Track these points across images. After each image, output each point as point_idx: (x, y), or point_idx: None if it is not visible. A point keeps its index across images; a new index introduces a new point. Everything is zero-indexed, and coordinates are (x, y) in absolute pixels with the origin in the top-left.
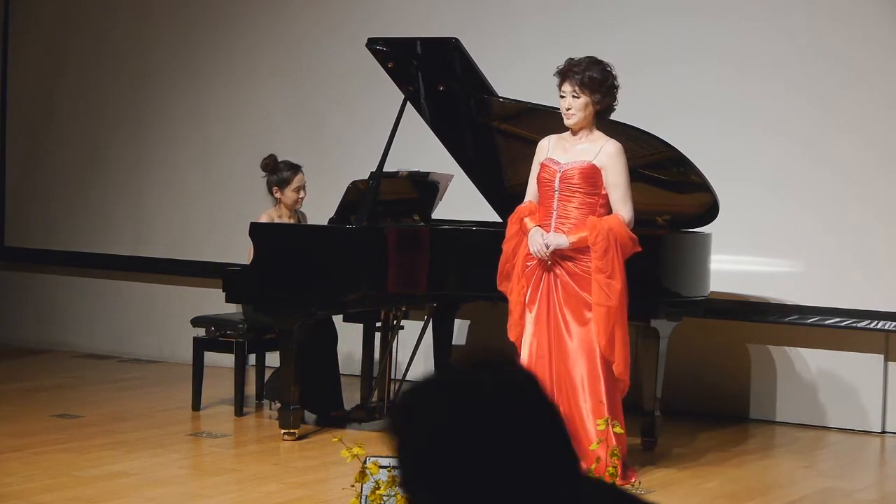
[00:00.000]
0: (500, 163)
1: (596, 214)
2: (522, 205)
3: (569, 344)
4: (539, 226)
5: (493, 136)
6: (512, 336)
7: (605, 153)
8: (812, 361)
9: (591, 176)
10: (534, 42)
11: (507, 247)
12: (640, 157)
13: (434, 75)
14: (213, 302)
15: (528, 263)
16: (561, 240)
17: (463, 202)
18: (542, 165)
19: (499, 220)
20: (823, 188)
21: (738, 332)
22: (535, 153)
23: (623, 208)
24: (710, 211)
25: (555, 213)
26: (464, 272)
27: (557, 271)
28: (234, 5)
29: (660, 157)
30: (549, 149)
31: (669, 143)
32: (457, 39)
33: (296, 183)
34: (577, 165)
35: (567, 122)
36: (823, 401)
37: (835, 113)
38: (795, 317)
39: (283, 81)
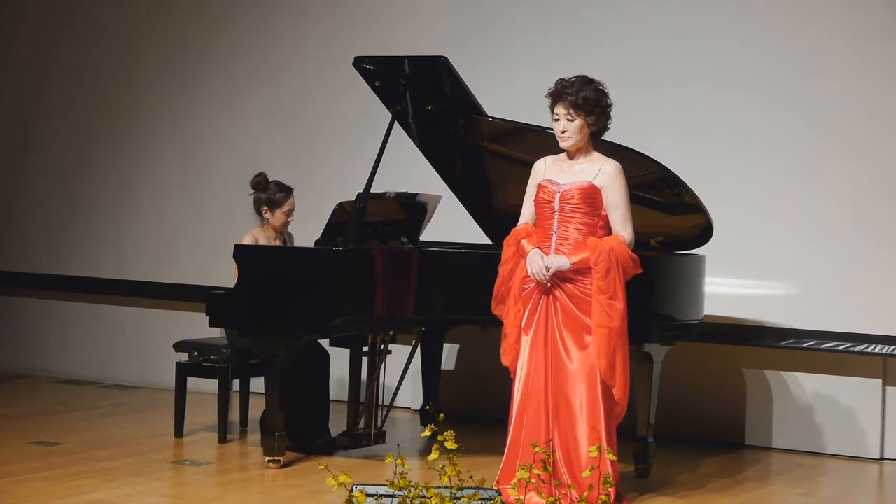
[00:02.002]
0: (490, 184)
1: (596, 235)
2: (519, 226)
3: (569, 367)
4: (538, 247)
5: (483, 156)
6: (505, 361)
7: (604, 173)
8: (809, 386)
9: (591, 196)
10: (523, 61)
11: (503, 269)
12: (633, 177)
13: (422, 94)
14: (197, 326)
15: (526, 286)
16: (562, 261)
17: (451, 224)
18: (541, 186)
19: (488, 241)
20: (820, 210)
21: (733, 356)
22: (528, 175)
23: (623, 229)
24: (704, 232)
25: (555, 234)
26: (453, 295)
27: (557, 294)
28: (221, 23)
29: (653, 177)
30: (546, 170)
31: (663, 163)
32: (445, 58)
33: (287, 206)
34: (576, 186)
35: (563, 145)
36: (820, 427)
37: (832, 134)
38: (792, 341)
39: (270, 101)
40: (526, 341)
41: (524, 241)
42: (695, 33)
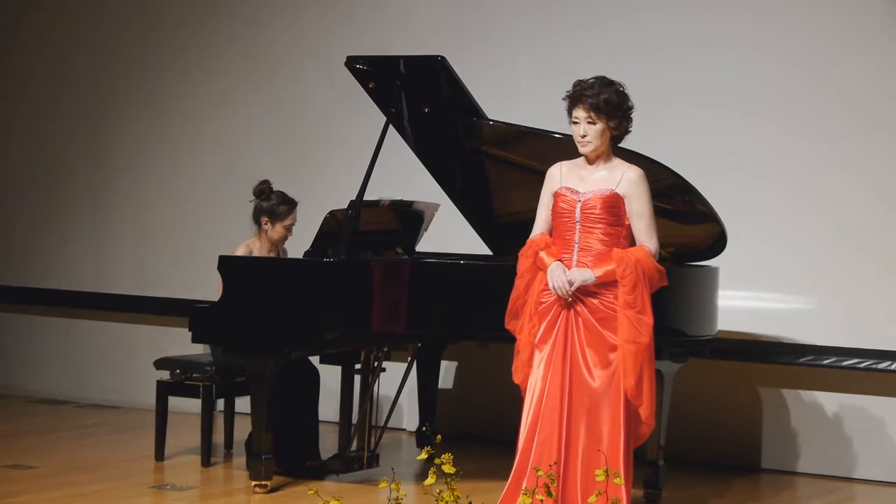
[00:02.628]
0: (491, 191)
1: (619, 246)
2: (535, 237)
3: (592, 387)
4: (559, 260)
5: (483, 161)
6: (517, 379)
7: (627, 180)
8: (829, 406)
9: (614, 205)
10: (526, 61)
11: (519, 283)
12: None
13: (419, 96)
14: (180, 342)
15: (543, 301)
16: (586, 275)
17: (450, 234)
18: (558, 195)
19: (488, 252)
20: (839, 219)
21: (749, 374)
22: (532, 182)
23: (649, 239)
24: (717, 242)
25: (576, 245)
26: (451, 309)
27: (578, 309)
28: (207, 25)
29: (663, 184)
30: (563, 177)
31: (673, 169)
32: (443, 58)
33: (289, 220)
34: (598, 194)
35: (583, 150)
36: (842, 449)
37: (853, 141)
38: (811, 357)
39: (259, 104)
40: (539, 358)
41: (542, 254)
42: (703, 33)
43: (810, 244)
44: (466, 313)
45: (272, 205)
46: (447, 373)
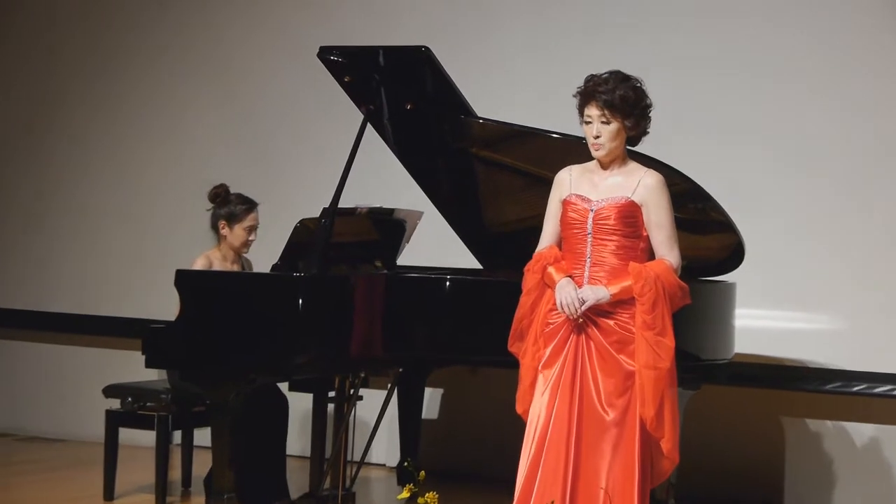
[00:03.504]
0: (481, 198)
1: (637, 260)
2: (543, 250)
3: (606, 419)
4: (569, 276)
5: (473, 165)
6: (520, 408)
7: (644, 187)
8: (860, 437)
9: (631, 215)
10: (519, 52)
11: (525, 301)
12: None
13: (400, 91)
14: (132, 367)
15: (551, 321)
16: (601, 293)
17: (435, 245)
18: (568, 203)
19: (478, 266)
20: (870, 231)
21: (770, 402)
22: (527, 187)
23: (669, 252)
24: (734, 255)
25: (588, 259)
26: (436, 331)
27: (590, 331)
28: (161, 23)
29: (675, 190)
30: (572, 182)
31: (686, 174)
32: (427, 48)
33: (248, 221)
34: (613, 203)
35: (596, 153)
36: (874, 485)
37: (884, 147)
38: (839, 384)
39: (219, 100)
40: (544, 384)
41: (551, 269)
42: (718, 20)
43: (838, 256)
44: (453, 335)
45: (229, 206)
46: (432, 401)
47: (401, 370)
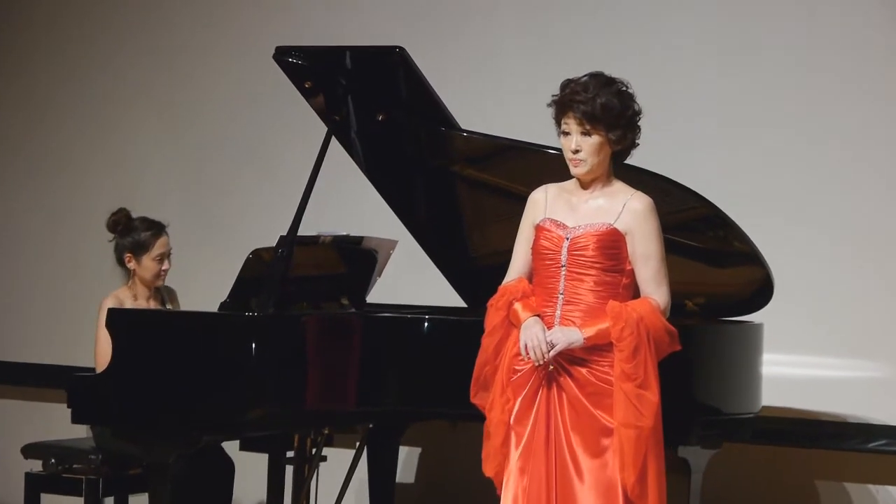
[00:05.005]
0: (464, 224)
1: (618, 298)
2: (509, 283)
3: (576, 487)
4: (538, 314)
5: (455, 185)
6: (489, 470)
7: (630, 212)
8: None
9: (613, 245)
10: (509, 52)
11: (487, 343)
12: (663, 215)
13: (371, 99)
14: (55, 423)
15: (518, 367)
16: (573, 336)
17: (411, 279)
18: (540, 229)
19: (461, 304)
20: None
21: (803, 462)
22: (519, 212)
23: (657, 290)
24: (761, 291)
25: (561, 296)
26: (412, 379)
27: (562, 381)
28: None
29: (690, 215)
30: (548, 204)
31: (704, 196)
32: (402, 49)
33: (157, 249)
34: (592, 230)
35: (575, 170)
36: None
37: None
38: (883, 441)
39: (153, 111)
40: (516, 444)
41: (517, 305)
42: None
43: (886, 292)
44: (432, 384)
45: (132, 235)
46: (407, 462)
47: (371, 426)
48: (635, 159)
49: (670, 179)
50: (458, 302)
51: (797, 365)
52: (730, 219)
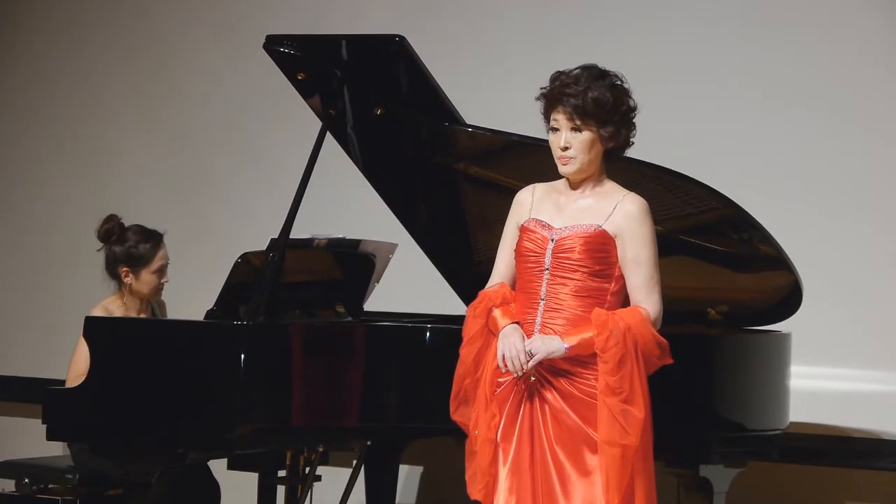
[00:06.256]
0: (468, 225)
1: (605, 306)
2: (490, 288)
3: None
4: (517, 322)
5: (458, 184)
6: (474, 492)
7: (622, 214)
8: None
9: (601, 248)
10: (517, 42)
11: (467, 353)
12: (681, 216)
13: (368, 92)
14: (30, 439)
15: (501, 380)
16: (553, 345)
17: (411, 285)
18: (525, 230)
19: (465, 311)
20: None
21: (834, 482)
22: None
23: (647, 298)
24: (788, 299)
25: (542, 302)
26: (412, 393)
27: (546, 394)
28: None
29: (712, 216)
30: (534, 204)
31: (726, 196)
32: (402, 38)
33: (157, 262)
34: (579, 232)
35: (564, 169)
36: None
37: None
38: None
39: (140, 105)
40: (503, 462)
41: (496, 312)
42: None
43: None
44: (434, 399)
45: (129, 247)
46: (409, 481)
47: (369, 443)
48: (656, 157)
49: (692, 178)
50: (462, 309)
51: (828, 377)
52: (755, 220)
